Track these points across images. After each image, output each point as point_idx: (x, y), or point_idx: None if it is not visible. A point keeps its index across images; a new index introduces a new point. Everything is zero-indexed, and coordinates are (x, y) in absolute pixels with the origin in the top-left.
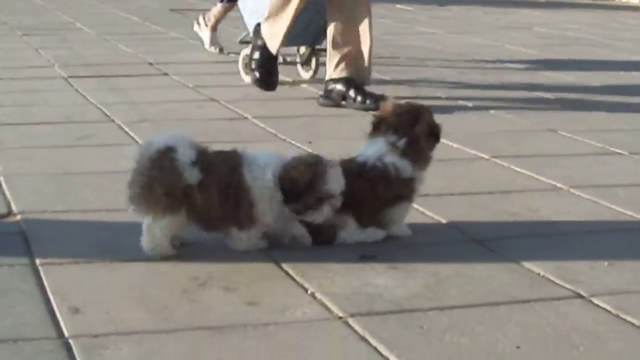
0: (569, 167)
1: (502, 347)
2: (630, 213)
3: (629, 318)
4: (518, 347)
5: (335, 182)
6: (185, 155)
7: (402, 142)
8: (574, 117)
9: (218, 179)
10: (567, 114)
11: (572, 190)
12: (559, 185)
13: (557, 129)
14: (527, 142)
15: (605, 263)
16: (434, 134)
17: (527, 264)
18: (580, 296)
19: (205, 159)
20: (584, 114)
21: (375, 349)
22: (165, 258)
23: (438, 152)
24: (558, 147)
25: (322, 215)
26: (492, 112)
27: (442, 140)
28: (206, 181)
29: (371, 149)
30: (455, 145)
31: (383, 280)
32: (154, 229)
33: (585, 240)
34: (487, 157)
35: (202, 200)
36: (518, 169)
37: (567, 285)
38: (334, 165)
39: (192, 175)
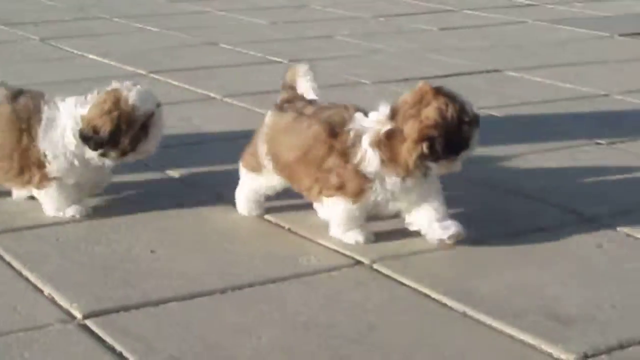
0: (225, 78)
1: (136, 251)
2: None
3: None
4: (152, 251)
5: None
6: None
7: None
8: (237, 29)
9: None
10: (230, 26)
11: (225, 99)
12: (212, 95)
13: (218, 41)
14: (186, 56)
15: None
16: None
17: (172, 172)
18: (222, 199)
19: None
20: (245, 25)
21: (9, 264)
22: None
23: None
24: (217, 59)
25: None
26: (154, 29)
27: (99, 58)
28: None
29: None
30: (113, 63)
31: None
32: None
33: (231, 145)
34: (144, 72)
35: None
36: (174, 82)
37: (210, 190)
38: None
39: None
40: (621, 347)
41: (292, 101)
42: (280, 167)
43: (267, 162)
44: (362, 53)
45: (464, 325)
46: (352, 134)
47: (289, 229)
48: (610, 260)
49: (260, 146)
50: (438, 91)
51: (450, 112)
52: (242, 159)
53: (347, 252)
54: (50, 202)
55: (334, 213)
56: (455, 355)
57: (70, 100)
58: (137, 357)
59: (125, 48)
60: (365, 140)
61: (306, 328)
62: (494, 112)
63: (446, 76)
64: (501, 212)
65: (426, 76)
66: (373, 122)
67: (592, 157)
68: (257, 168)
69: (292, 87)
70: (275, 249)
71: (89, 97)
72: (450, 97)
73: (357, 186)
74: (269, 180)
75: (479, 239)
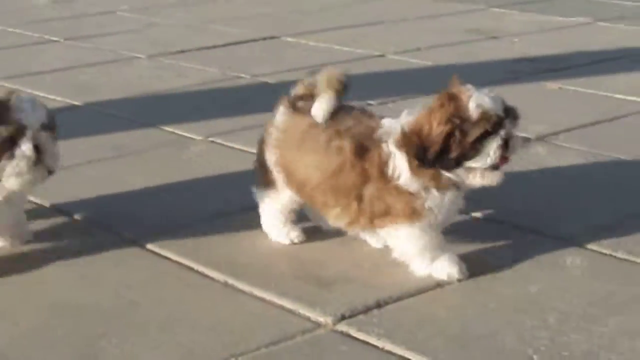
0: (1, 61)
1: None
2: (53, 97)
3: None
4: None
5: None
6: None
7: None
8: (17, 11)
9: None
10: (10, 8)
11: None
12: None
13: None
14: None
15: None
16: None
17: None
18: None
19: None
20: (26, 6)
21: None
22: None
23: None
24: None
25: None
26: None
27: None
28: None
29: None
30: None
31: None
32: None
33: None
34: None
35: None
36: None
37: None
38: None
39: None
40: (379, 306)
41: (306, 99)
42: (295, 185)
43: (275, 173)
44: (141, 27)
45: (225, 294)
46: (384, 146)
47: (55, 209)
48: None
49: (269, 152)
50: (450, 98)
51: (438, 119)
52: (255, 179)
53: (112, 229)
54: None
55: (404, 246)
56: (214, 325)
57: None
58: None
59: None
60: (391, 142)
61: (66, 309)
62: (268, 79)
63: (224, 45)
64: None
65: (203, 46)
66: (400, 121)
67: None
68: (271, 183)
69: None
70: (38, 231)
71: None
72: (457, 103)
73: (405, 205)
74: (288, 195)
75: (245, 206)
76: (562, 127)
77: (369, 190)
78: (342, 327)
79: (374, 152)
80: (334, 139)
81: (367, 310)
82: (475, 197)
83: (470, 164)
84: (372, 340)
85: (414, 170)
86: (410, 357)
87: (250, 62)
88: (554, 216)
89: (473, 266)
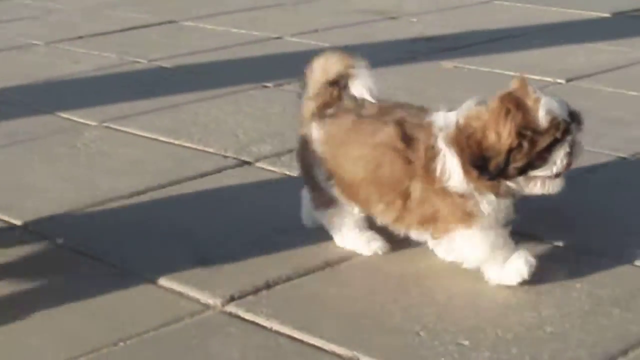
0: None
1: None
2: None
3: None
4: None
5: None
6: None
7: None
8: None
9: None
10: None
11: None
12: None
13: None
14: None
15: None
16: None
17: None
18: None
19: None
20: None
21: None
22: None
23: None
24: None
25: None
26: None
27: None
28: None
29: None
30: None
31: None
32: None
33: None
34: None
35: None
36: None
37: None
38: None
39: None
40: (268, 286)
41: (332, 104)
42: (347, 190)
43: (332, 190)
44: (39, 13)
45: (112, 279)
46: (432, 140)
47: None
48: (270, 198)
49: (317, 171)
50: (517, 104)
51: (507, 130)
52: (312, 202)
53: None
54: None
55: (464, 252)
56: (101, 310)
57: None
58: None
59: None
60: (441, 139)
61: None
62: (165, 64)
63: (122, 31)
64: (162, 161)
65: (100, 32)
66: (456, 117)
67: (257, 101)
68: (330, 203)
69: (335, 82)
70: None
71: None
72: (526, 111)
73: (456, 208)
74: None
75: (135, 191)
76: (458, 106)
77: (416, 191)
78: (231, 308)
79: (420, 145)
80: (380, 127)
81: (256, 291)
82: None
83: (535, 172)
84: (261, 320)
85: (468, 174)
86: (298, 337)
87: (147, 46)
88: None
89: None
